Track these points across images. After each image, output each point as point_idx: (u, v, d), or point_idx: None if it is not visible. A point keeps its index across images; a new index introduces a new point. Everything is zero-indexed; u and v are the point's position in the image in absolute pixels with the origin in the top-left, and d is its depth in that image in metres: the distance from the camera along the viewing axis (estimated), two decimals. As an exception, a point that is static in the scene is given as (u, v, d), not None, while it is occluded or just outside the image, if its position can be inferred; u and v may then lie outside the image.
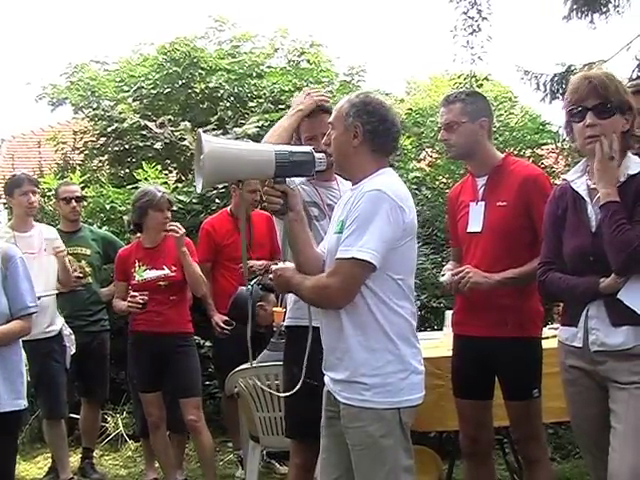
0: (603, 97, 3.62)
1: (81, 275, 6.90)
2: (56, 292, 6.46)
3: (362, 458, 3.53)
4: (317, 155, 3.62)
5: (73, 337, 6.65)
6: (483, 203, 4.55)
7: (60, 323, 6.56)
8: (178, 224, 6.12)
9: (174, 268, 6.10)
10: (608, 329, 3.60)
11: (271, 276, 3.67)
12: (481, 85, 10.35)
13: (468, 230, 4.59)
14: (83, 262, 7.06)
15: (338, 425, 3.64)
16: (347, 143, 3.63)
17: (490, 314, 4.44)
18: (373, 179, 3.57)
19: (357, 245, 3.38)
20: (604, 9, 12.67)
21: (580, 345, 3.70)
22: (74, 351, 6.65)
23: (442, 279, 4.61)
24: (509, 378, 4.51)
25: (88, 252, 7.13)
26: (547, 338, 5.28)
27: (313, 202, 4.55)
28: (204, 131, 9.38)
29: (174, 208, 8.02)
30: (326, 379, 3.74)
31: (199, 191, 3.73)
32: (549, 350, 4.75)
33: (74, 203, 7.14)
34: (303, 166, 3.61)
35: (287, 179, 3.64)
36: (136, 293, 6.07)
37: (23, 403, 4.67)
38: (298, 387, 3.79)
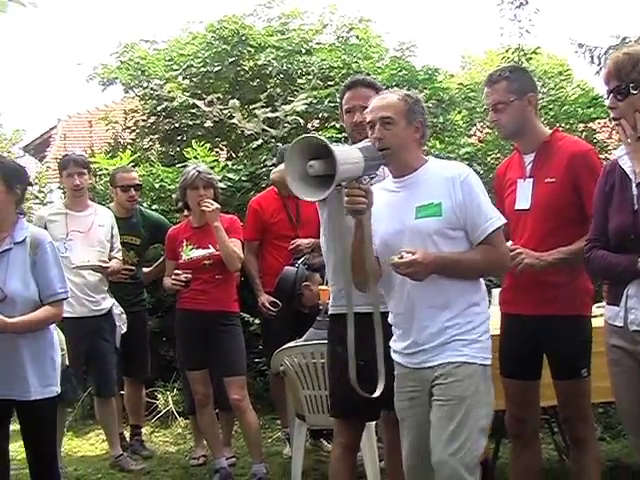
0: (619, 78, 3.61)
1: (132, 268, 6.92)
2: (96, 265, 6.44)
3: (453, 413, 3.70)
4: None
5: (124, 316, 6.68)
6: (531, 180, 4.47)
7: (110, 302, 6.59)
8: (211, 200, 6.05)
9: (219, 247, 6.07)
10: None
11: (398, 260, 3.66)
12: (530, 59, 10.17)
13: (516, 207, 4.51)
14: (131, 252, 7.07)
15: (424, 400, 3.81)
16: (410, 137, 3.86)
17: (540, 292, 4.37)
18: (437, 165, 3.96)
19: (495, 216, 3.82)
20: (661, -21, 12.43)
21: (621, 324, 3.68)
22: (125, 330, 6.68)
23: None
24: (558, 357, 4.44)
25: (138, 242, 7.13)
26: (595, 317, 5.20)
27: None
28: (253, 108, 9.29)
29: (222, 185, 8.07)
30: (403, 358, 3.88)
31: (314, 199, 3.68)
32: (598, 329, 4.68)
33: (133, 192, 7.10)
34: (377, 162, 3.74)
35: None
36: (179, 271, 6.11)
37: (55, 390, 4.65)
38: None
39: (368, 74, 10.39)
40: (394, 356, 3.93)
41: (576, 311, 4.39)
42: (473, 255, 3.78)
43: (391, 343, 3.94)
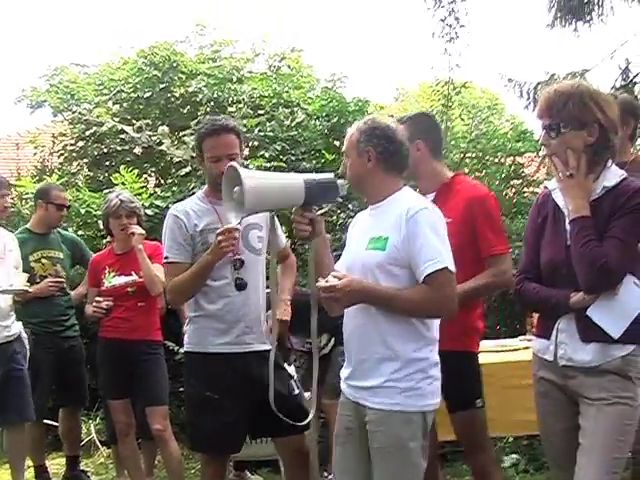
0: (550, 115, 3.64)
1: (62, 280, 6.81)
2: (19, 289, 6.33)
3: (388, 460, 3.68)
4: (339, 181, 3.91)
5: (26, 339, 6.52)
6: None
7: (18, 325, 6.45)
8: (138, 227, 6.07)
9: (142, 274, 6.03)
10: (577, 344, 3.59)
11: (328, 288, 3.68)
12: (459, 92, 10.29)
13: None
14: (58, 266, 6.97)
15: (357, 433, 3.81)
16: (362, 167, 3.85)
17: None
18: (403, 197, 3.82)
19: (438, 257, 3.63)
20: (588, 17, 12.66)
21: (551, 359, 3.70)
22: (29, 353, 6.50)
23: None
24: (451, 390, 4.34)
25: (61, 255, 7.04)
26: (518, 349, 5.25)
27: (213, 229, 4.57)
28: (183, 135, 9.22)
29: (149, 212, 8.03)
30: (346, 388, 3.90)
31: (235, 223, 3.98)
32: (522, 362, 4.74)
33: (65, 211, 7.12)
34: (329, 192, 3.88)
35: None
36: (100, 298, 6.08)
37: None
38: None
39: (298, 104, 10.44)
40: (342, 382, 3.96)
41: (465, 347, 4.42)
42: (410, 294, 3.67)
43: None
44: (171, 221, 4.64)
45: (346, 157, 3.93)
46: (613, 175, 3.64)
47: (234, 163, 3.90)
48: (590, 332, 3.55)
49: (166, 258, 4.63)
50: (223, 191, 3.91)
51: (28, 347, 6.51)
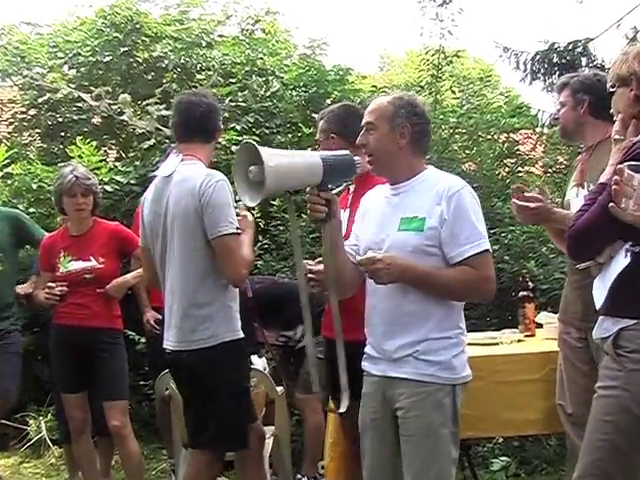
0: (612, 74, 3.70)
1: None
2: None
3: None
4: (356, 158, 4.01)
5: None
6: (349, 210, 4.55)
7: None
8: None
9: (102, 260, 6.06)
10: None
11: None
12: (450, 62, 10.29)
13: None
14: None
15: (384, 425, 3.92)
16: (393, 143, 3.94)
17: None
18: (434, 176, 3.99)
19: (480, 239, 3.81)
20: (593, -17, 12.72)
21: None
22: None
23: None
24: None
25: None
26: (510, 342, 5.31)
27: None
28: (146, 105, 9.20)
29: (109, 189, 8.05)
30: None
31: (252, 205, 4.06)
32: (514, 356, 4.84)
33: None
34: (345, 171, 3.97)
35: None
36: (53, 284, 6.02)
37: None
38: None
39: (273, 72, 10.45)
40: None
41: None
42: (448, 273, 3.82)
43: None
44: (227, 188, 4.66)
45: (370, 130, 3.96)
46: None
47: (251, 141, 3.97)
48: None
49: (237, 229, 4.64)
50: (235, 170, 3.95)
51: None
